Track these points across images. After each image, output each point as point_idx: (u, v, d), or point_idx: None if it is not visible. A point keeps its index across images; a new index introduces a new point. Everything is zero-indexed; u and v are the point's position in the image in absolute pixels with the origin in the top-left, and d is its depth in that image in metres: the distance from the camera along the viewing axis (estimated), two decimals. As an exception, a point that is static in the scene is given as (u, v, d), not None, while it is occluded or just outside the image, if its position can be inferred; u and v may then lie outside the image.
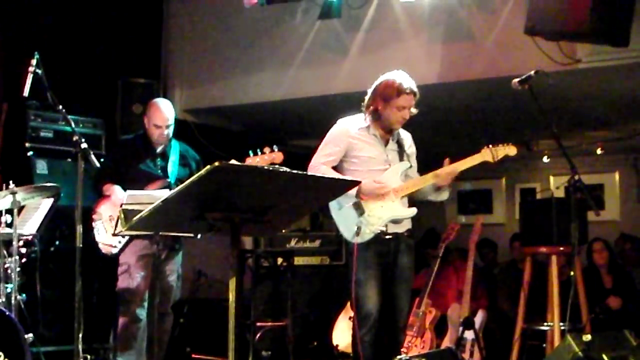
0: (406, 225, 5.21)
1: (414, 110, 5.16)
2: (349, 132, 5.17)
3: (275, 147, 5.30)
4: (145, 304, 5.83)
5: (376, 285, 5.07)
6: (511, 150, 5.30)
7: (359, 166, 5.14)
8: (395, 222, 5.13)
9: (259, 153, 5.31)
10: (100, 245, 5.84)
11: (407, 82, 5.08)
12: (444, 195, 5.30)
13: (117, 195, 5.78)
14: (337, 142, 5.18)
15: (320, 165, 5.12)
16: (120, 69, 7.93)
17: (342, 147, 5.17)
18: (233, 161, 5.35)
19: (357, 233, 5.02)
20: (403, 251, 5.17)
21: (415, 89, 5.09)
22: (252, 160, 5.34)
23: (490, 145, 5.26)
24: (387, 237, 5.11)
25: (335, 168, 5.17)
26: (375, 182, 5.03)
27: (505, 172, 11.92)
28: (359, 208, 5.06)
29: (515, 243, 9.17)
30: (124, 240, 5.77)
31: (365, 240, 5.06)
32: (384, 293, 5.14)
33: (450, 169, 5.11)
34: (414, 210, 5.20)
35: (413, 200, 5.30)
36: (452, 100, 8.01)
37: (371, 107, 5.15)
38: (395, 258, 5.14)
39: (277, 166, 3.13)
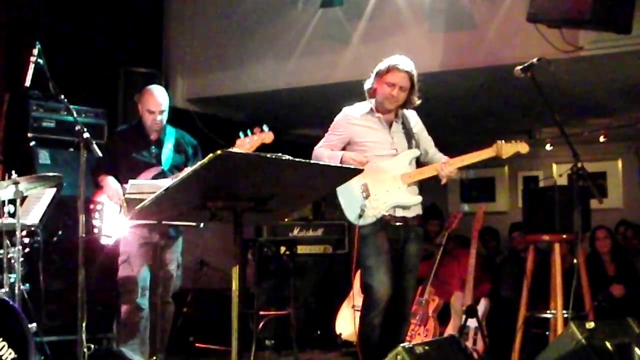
0: (415, 211, 5.24)
1: (416, 100, 5.19)
2: (352, 119, 5.22)
3: (265, 127, 5.31)
4: (147, 293, 5.83)
5: (387, 271, 5.10)
6: (523, 148, 5.30)
7: (366, 152, 5.16)
8: (402, 207, 5.15)
9: (249, 134, 5.32)
10: (97, 236, 5.85)
11: (401, 61, 5.15)
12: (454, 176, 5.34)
13: (110, 186, 5.79)
14: (340, 130, 5.24)
15: (320, 149, 5.22)
16: (122, 58, 7.92)
17: (346, 134, 5.22)
18: (235, 149, 5.38)
19: (360, 215, 5.05)
20: (412, 240, 5.22)
21: (410, 69, 5.13)
22: (242, 141, 5.35)
23: (502, 141, 5.25)
24: (398, 223, 5.14)
25: None
26: (354, 155, 5.07)
27: (507, 160, 11.89)
28: (365, 191, 5.10)
29: (515, 233, 9.14)
30: (121, 230, 5.77)
31: (367, 223, 5.09)
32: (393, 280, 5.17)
33: (448, 170, 5.14)
34: (419, 198, 5.24)
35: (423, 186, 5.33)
36: (454, 88, 7.99)
37: (370, 89, 5.23)
38: (403, 246, 5.18)
39: (279, 154, 3.12)
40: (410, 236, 5.21)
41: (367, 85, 5.27)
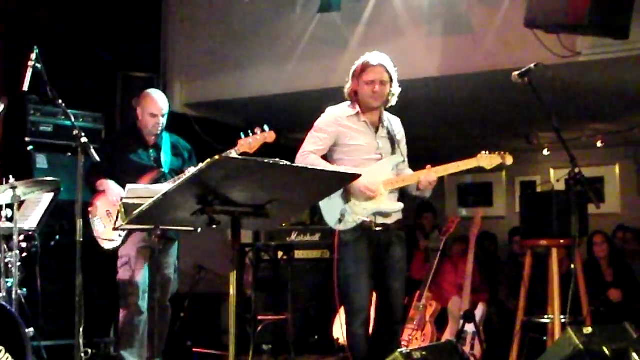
0: (395, 217, 5.14)
1: (396, 90, 5.15)
2: (339, 121, 5.12)
3: (266, 127, 5.30)
4: (147, 296, 5.83)
5: (367, 279, 5.03)
6: (507, 160, 5.25)
7: (351, 155, 5.09)
8: (383, 214, 5.09)
9: (251, 134, 5.31)
10: (100, 241, 5.84)
11: (373, 56, 5.10)
12: (427, 194, 5.24)
13: (113, 191, 5.77)
14: (326, 130, 5.13)
15: (309, 154, 5.07)
16: (119, 63, 7.92)
17: (332, 136, 5.11)
18: (232, 152, 5.38)
19: (340, 220, 5.00)
20: (395, 243, 5.12)
21: (383, 62, 5.08)
22: (245, 141, 5.34)
23: (487, 152, 5.21)
24: (377, 229, 5.05)
25: (325, 158, 5.13)
26: (368, 184, 4.96)
27: (505, 165, 11.91)
28: (345, 196, 5.02)
29: (515, 237, 9.18)
30: (123, 234, 5.76)
31: (347, 229, 5.02)
32: (378, 287, 5.13)
33: (432, 177, 5.05)
34: (400, 206, 5.15)
35: (403, 193, 5.27)
36: (452, 93, 8.01)
37: (350, 92, 5.16)
38: (387, 250, 5.09)
39: (277, 159, 3.12)
40: (393, 240, 5.11)
41: (346, 89, 5.18)
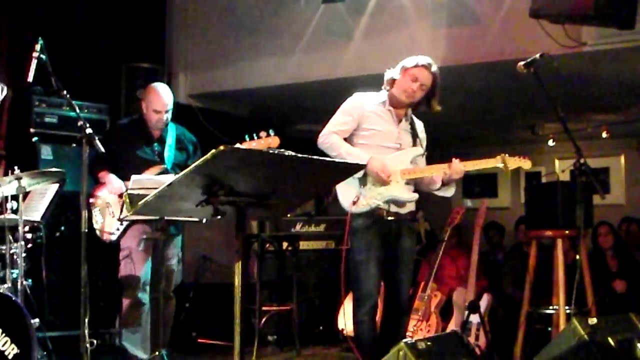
0: (409, 208, 5.18)
1: (437, 106, 5.20)
2: (364, 105, 5.17)
3: (271, 132, 5.30)
4: (148, 288, 5.84)
5: (377, 266, 5.05)
6: (526, 164, 5.28)
7: (370, 139, 5.12)
8: (397, 203, 5.11)
9: (255, 137, 5.31)
10: (98, 232, 5.84)
11: (429, 61, 5.14)
12: (449, 192, 5.28)
13: (114, 184, 5.78)
14: (352, 113, 5.17)
15: (331, 134, 5.13)
16: (124, 54, 7.92)
17: (356, 118, 5.15)
18: (238, 145, 5.38)
19: (354, 202, 5.02)
20: (405, 234, 5.16)
21: (435, 71, 5.14)
22: (248, 145, 5.33)
23: (506, 154, 5.21)
24: (389, 218, 5.09)
25: (346, 140, 5.17)
26: (383, 168, 4.98)
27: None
28: (362, 179, 5.05)
29: (521, 226, 9.19)
30: (122, 227, 5.77)
31: (360, 212, 5.04)
32: (385, 277, 5.16)
33: (460, 167, 5.07)
34: (414, 196, 5.17)
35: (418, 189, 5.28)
36: (457, 84, 7.98)
37: (389, 78, 5.18)
38: (396, 240, 5.13)
39: (282, 150, 3.11)
40: (403, 231, 5.14)
41: (389, 75, 5.20)
